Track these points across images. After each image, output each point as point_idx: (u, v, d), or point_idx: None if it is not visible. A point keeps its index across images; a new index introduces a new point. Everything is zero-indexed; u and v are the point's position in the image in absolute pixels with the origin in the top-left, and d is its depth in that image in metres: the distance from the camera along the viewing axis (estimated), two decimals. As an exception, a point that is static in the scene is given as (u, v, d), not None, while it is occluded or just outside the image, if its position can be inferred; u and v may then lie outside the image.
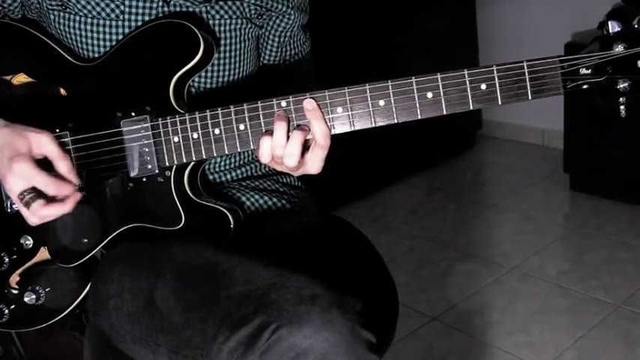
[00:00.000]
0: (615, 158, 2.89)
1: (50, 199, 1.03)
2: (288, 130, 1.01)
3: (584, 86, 0.95)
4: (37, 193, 1.02)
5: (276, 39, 1.26)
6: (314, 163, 1.03)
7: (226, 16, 1.17)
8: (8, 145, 1.03)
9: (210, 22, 1.16)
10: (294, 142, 1.01)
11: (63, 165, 1.05)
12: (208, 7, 1.15)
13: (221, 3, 1.16)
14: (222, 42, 1.18)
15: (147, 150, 1.08)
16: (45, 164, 1.04)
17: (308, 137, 1.02)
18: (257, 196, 1.24)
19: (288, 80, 1.30)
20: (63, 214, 1.06)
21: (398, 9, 3.12)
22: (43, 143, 1.04)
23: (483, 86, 0.97)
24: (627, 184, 2.92)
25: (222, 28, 1.17)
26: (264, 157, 1.02)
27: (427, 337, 2.21)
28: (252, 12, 1.20)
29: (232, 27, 1.18)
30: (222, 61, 1.19)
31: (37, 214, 1.04)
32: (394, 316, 1.25)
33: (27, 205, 1.02)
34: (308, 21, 1.31)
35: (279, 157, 1.02)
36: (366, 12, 3.00)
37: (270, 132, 1.01)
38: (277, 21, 1.24)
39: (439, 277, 2.55)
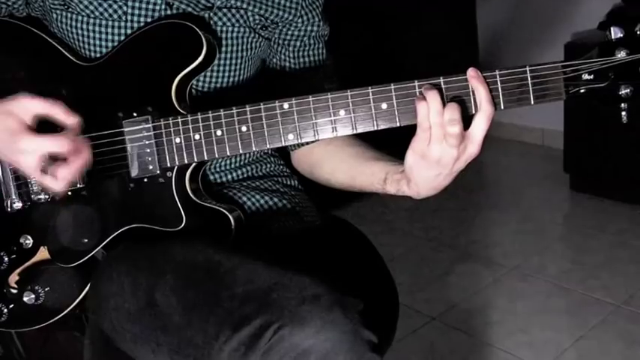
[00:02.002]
0: (615, 158, 2.89)
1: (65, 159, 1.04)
2: (443, 98, 0.97)
3: (587, 92, 0.95)
4: (52, 159, 1.03)
5: (287, 45, 1.25)
6: (477, 136, 0.98)
7: (229, 24, 1.17)
8: (1, 128, 1.03)
9: (212, 28, 1.16)
10: (452, 107, 0.96)
11: (56, 111, 1.04)
12: (211, 14, 1.15)
13: (224, 10, 1.16)
14: (224, 49, 1.18)
15: (148, 150, 1.08)
16: (46, 129, 1.04)
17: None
18: (258, 196, 1.24)
19: (307, 91, 1.27)
20: (85, 163, 1.06)
21: (398, 10, 3.12)
22: (26, 105, 1.03)
23: (486, 91, 0.98)
24: (627, 184, 2.92)
25: (224, 35, 1.17)
26: (423, 123, 0.97)
27: (427, 337, 2.21)
28: (257, 22, 1.19)
29: (235, 35, 1.18)
30: (221, 67, 1.19)
31: (60, 177, 1.04)
32: (395, 316, 1.25)
33: (47, 172, 1.03)
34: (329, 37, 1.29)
35: (438, 124, 0.96)
36: (366, 13, 3.00)
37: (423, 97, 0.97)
38: (284, 29, 1.24)
39: (439, 277, 2.55)
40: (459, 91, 0.98)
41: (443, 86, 0.98)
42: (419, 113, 0.97)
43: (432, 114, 0.97)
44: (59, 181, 1.05)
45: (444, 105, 0.97)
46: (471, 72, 0.98)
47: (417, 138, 1.00)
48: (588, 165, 3.02)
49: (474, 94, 0.98)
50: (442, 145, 0.98)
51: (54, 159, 1.03)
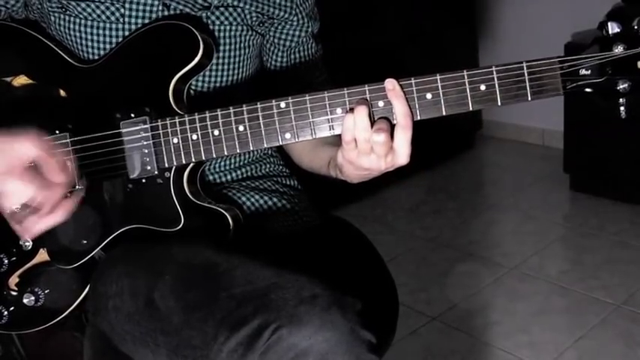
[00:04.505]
0: (615, 158, 2.89)
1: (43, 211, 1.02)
2: (371, 115, 0.99)
3: (584, 87, 0.95)
4: (28, 209, 1.01)
5: (280, 45, 1.26)
6: (401, 149, 0.99)
7: (226, 22, 1.17)
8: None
9: (210, 27, 1.16)
10: (381, 121, 0.98)
11: (47, 166, 1.01)
12: (208, 13, 1.15)
13: (222, 9, 1.16)
14: (222, 47, 1.18)
15: (146, 151, 1.08)
16: (32, 178, 1.01)
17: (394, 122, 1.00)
18: (257, 196, 1.24)
19: (298, 87, 1.28)
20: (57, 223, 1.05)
21: (397, 8, 3.12)
22: (26, 150, 1.00)
23: (483, 87, 0.97)
24: (627, 184, 2.92)
25: (222, 34, 1.17)
26: (346, 136, 0.99)
27: (427, 337, 2.21)
28: (254, 19, 1.20)
29: (232, 33, 1.18)
30: (220, 67, 1.19)
31: (31, 231, 1.03)
32: (394, 316, 1.25)
33: (19, 222, 1.02)
34: (325, 40, 1.30)
35: (364, 140, 0.98)
36: (365, 12, 3.00)
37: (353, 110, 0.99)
38: (279, 27, 1.24)
39: (439, 277, 2.55)
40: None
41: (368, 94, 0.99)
42: (343, 125, 0.99)
43: (358, 130, 0.98)
44: (27, 232, 1.04)
45: (372, 119, 0.98)
46: (388, 85, 0.98)
47: (344, 149, 1.01)
48: (588, 165, 3.02)
49: (470, 91, 0.98)
50: (370, 157, 1.00)
51: (30, 213, 1.02)
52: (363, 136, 0.98)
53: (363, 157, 1.00)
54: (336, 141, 1.10)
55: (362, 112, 0.98)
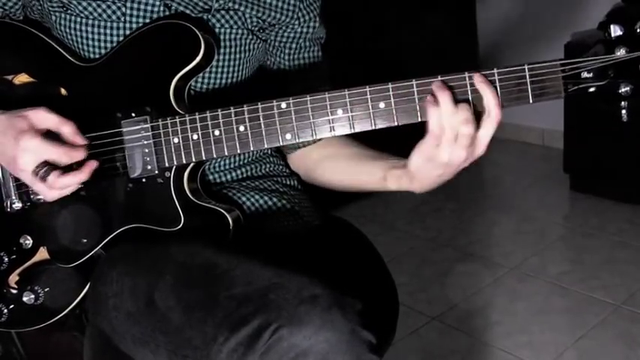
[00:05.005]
0: (615, 158, 2.89)
1: (65, 170, 1.05)
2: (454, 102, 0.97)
3: (586, 90, 0.95)
4: (50, 166, 1.03)
5: (283, 48, 1.26)
6: (484, 139, 0.99)
7: (227, 26, 1.17)
8: (10, 127, 1.04)
9: (211, 29, 1.16)
10: (464, 107, 0.96)
11: (67, 129, 1.06)
12: (209, 16, 1.15)
13: (222, 12, 1.16)
14: (222, 50, 1.18)
15: (147, 151, 1.08)
16: (51, 138, 1.05)
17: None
18: (257, 196, 1.24)
19: (300, 90, 1.28)
20: (79, 184, 1.07)
21: (397, 8, 3.12)
22: (42, 117, 1.05)
23: (484, 89, 0.97)
24: (627, 184, 2.92)
25: (222, 37, 1.17)
26: (435, 126, 0.97)
27: (427, 337, 2.21)
28: (254, 24, 1.20)
29: (232, 36, 1.18)
30: (220, 69, 1.19)
31: (55, 186, 1.05)
32: (394, 316, 1.25)
33: (43, 179, 1.03)
34: (325, 40, 1.30)
35: (450, 126, 0.97)
36: (366, 12, 3.00)
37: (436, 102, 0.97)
38: (280, 31, 1.24)
39: (439, 277, 2.55)
40: (458, 90, 0.98)
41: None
42: (431, 117, 0.97)
43: (445, 116, 0.96)
44: (54, 189, 1.06)
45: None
46: (479, 77, 0.97)
47: (426, 142, 1.00)
48: (588, 165, 3.02)
49: (473, 92, 0.98)
50: (452, 147, 0.98)
51: (52, 169, 1.04)
52: (449, 123, 0.96)
53: (445, 148, 0.98)
54: (380, 154, 1.14)
55: (446, 97, 0.96)
